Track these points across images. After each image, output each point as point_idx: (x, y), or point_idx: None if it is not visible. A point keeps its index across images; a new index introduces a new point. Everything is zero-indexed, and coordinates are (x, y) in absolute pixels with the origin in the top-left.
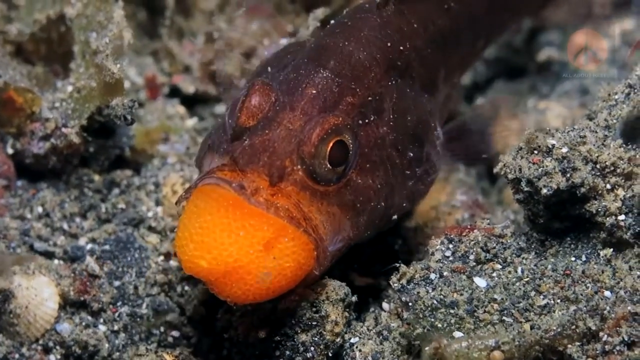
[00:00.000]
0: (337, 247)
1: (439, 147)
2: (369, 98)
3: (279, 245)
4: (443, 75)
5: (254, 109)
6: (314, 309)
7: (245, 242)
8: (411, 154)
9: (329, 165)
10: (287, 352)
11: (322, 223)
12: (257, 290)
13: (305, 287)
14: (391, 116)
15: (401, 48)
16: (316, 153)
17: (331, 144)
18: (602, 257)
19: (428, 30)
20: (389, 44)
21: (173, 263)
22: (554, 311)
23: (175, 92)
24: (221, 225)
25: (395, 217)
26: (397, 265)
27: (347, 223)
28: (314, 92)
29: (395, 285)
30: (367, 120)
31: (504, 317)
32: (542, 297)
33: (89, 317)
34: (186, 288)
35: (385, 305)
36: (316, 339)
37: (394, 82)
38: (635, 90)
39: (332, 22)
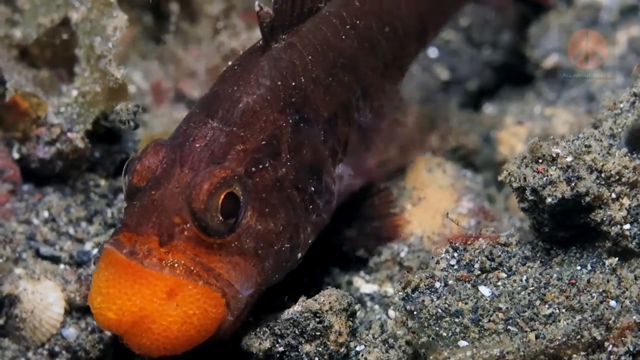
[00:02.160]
0: (249, 293)
1: (342, 172)
2: (263, 142)
3: (182, 294)
4: (360, 94)
5: (144, 171)
6: (318, 319)
7: (147, 292)
8: (312, 188)
9: (221, 218)
10: None
11: (227, 271)
12: (165, 339)
13: (223, 336)
14: (288, 155)
15: (294, 84)
16: (206, 207)
17: (221, 197)
18: (608, 266)
19: (327, 58)
20: (279, 83)
21: None
22: (559, 320)
23: (180, 97)
24: (123, 282)
25: (301, 254)
26: (402, 273)
27: (253, 270)
28: (202, 144)
29: (400, 293)
30: (261, 166)
31: (509, 327)
32: (547, 306)
33: (95, 322)
34: None
35: (391, 312)
36: (320, 349)
37: (290, 120)
38: None
39: (227, 66)
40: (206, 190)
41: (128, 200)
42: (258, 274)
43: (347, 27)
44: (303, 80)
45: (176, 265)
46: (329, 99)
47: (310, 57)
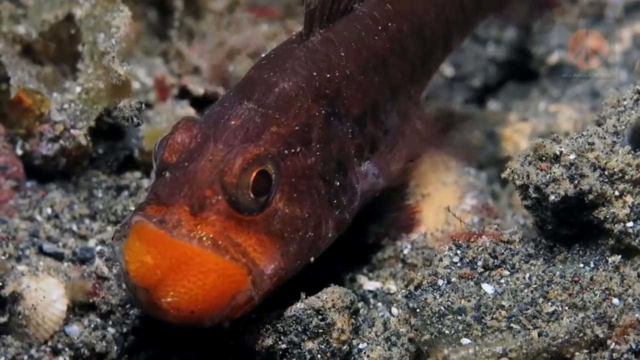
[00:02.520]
0: (272, 274)
1: (367, 171)
2: (296, 128)
3: (208, 266)
4: (388, 96)
5: (177, 145)
6: (320, 317)
7: (175, 261)
8: (337, 183)
9: (252, 195)
10: None
11: (253, 249)
12: (189, 304)
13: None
14: (318, 145)
15: (328, 76)
16: (238, 183)
17: (254, 174)
18: (611, 264)
19: (361, 56)
20: (314, 73)
21: None
22: (562, 318)
23: (184, 94)
24: (152, 249)
25: (323, 247)
26: (406, 270)
27: (278, 252)
28: (237, 123)
29: (403, 291)
30: (293, 150)
31: (511, 324)
32: (550, 303)
33: (98, 320)
34: None
35: (394, 310)
36: (323, 346)
37: (322, 111)
38: None
39: (262, 55)
40: (239, 166)
41: (158, 175)
42: (282, 257)
43: (380, 28)
44: (337, 74)
45: (204, 237)
46: (360, 96)
47: (344, 54)
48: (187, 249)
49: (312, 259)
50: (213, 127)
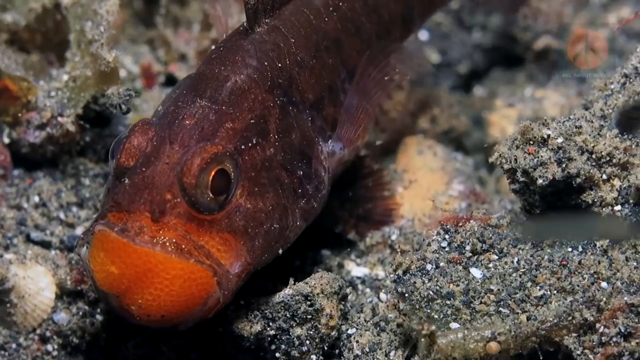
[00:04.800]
0: (238, 271)
1: (331, 150)
2: (252, 121)
3: (172, 271)
4: (345, 76)
5: (133, 149)
6: (309, 303)
7: (140, 269)
8: (300, 172)
9: (211, 195)
10: (283, 346)
11: (217, 249)
12: (156, 310)
13: (209, 315)
14: (276, 136)
15: (280, 65)
16: (197, 183)
17: (212, 173)
18: (599, 247)
19: (310, 40)
20: (265, 64)
21: None
22: (551, 302)
23: (171, 81)
24: (117, 258)
25: (291, 237)
26: (394, 255)
27: (243, 248)
28: (192, 122)
29: (392, 275)
30: (250, 144)
31: (500, 308)
32: (538, 287)
33: (86, 307)
34: None
35: (383, 295)
36: (311, 332)
37: (277, 101)
38: (631, 80)
39: (211, 49)
40: (197, 166)
41: (116, 181)
42: (247, 253)
43: (330, 9)
44: (288, 62)
45: (167, 243)
46: (314, 81)
47: (294, 40)
48: (151, 256)
49: (280, 251)
50: (168, 129)
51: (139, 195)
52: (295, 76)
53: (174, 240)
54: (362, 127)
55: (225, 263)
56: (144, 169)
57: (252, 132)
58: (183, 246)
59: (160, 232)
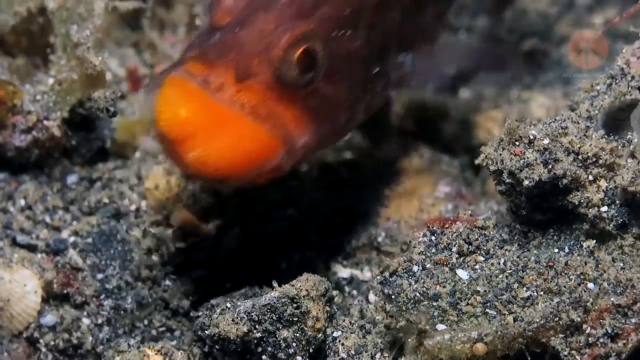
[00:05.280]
0: (303, 147)
1: (401, 62)
2: (347, 12)
3: (244, 132)
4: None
5: (228, 7)
6: (295, 305)
7: (212, 123)
8: (375, 70)
9: (296, 71)
10: (269, 349)
11: (290, 121)
12: (228, 155)
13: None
14: (364, 32)
15: None
16: (285, 58)
17: (300, 51)
18: (585, 248)
19: None
20: None
21: (155, 258)
22: (537, 303)
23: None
24: (189, 104)
25: (352, 128)
26: (380, 257)
27: (312, 127)
28: None
29: (378, 277)
30: (341, 33)
31: (487, 309)
32: (525, 289)
33: (73, 310)
34: (168, 283)
35: (371, 297)
36: (297, 334)
37: None
38: (617, 81)
39: None
40: (287, 41)
41: (206, 34)
42: (314, 133)
43: None
44: None
45: (245, 105)
46: None
47: None
48: (227, 113)
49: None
50: None
51: (227, 52)
52: None
53: (253, 104)
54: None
55: (294, 136)
56: (237, 30)
57: (346, 22)
58: (260, 111)
59: (241, 93)
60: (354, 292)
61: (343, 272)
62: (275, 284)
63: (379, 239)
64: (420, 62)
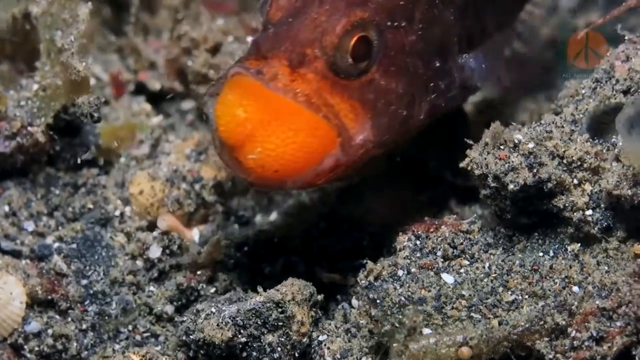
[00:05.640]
0: (359, 142)
1: (464, 64)
2: (401, 2)
3: (299, 121)
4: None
5: (283, 2)
6: (280, 310)
7: (267, 114)
8: (436, 67)
9: (350, 59)
10: (254, 353)
11: (345, 112)
12: (286, 150)
13: (335, 179)
14: (420, 25)
15: None
16: (339, 45)
17: (355, 38)
18: (570, 252)
19: None
20: None
21: (140, 264)
22: (522, 307)
23: (140, 89)
24: (246, 99)
25: (414, 127)
26: (365, 261)
27: (368, 122)
28: None
29: (363, 282)
30: (396, 24)
31: (472, 313)
32: (510, 292)
33: (57, 316)
34: (153, 288)
35: (354, 302)
36: (283, 339)
37: None
38: (601, 85)
39: None
40: (342, 27)
41: (262, 32)
42: (372, 128)
43: None
44: None
45: (299, 93)
46: None
47: None
48: (281, 103)
49: (399, 143)
50: None
51: (280, 43)
52: None
53: (307, 92)
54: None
55: (350, 128)
56: (290, 20)
57: (400, 14)
58: (314, 100)
59: (294, 82)
60: (338, 296)
61: (327, 277)
62: (260, 288)
63: (363, 243)
64: (484, 64)
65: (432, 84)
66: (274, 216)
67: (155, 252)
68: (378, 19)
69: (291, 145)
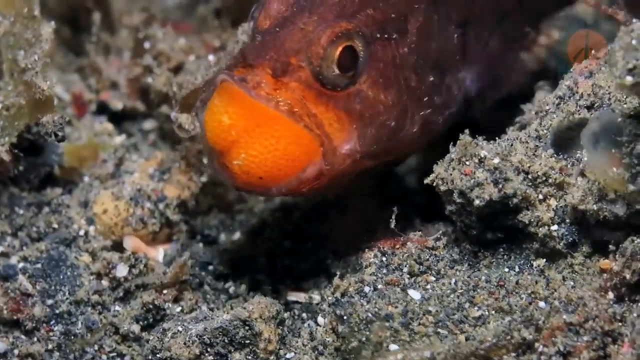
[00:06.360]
0: (344, 152)
1: (464, 79)
2: (392, 15)
3: (280, 130)
4: (496, 15)
5: (272, 11)
6: (247, 327)
7: (249, 122)
8: (432, 81)
9: (336, 70)
10: None
11: (330, 124)
12: (268, 156)
13: (317, 188)
14: (414, 38)
15: None
16: (324, 55)
17: (340, 48)
18: (536, 267)
19: None
20: None
21: (105, 283)
22: (489, 322)
23: (102, 109)
24: (230, 106)
25: (408, 143)
26: (333, 278)
27: (354, 132)
28: (335, 0)
29: (329, 298)
30: (386, 36)
31: (439, 329)
32: (476, 308)
33: (23, 336)
34: (118, 308)
35: (320, 319)
36: (250, 357)
37: (423, 5)
38: (565, 101)
39: None
40: (327, 37)
41: (250, 40)
42: (358, 138)
43: None
44: None
45: (281, 102)
46: (461, 2)
47: None
48: (263, 111)
49: (390, 156)
50: (311, 0)
51: (265, 51)
52: None
53: (289, 101)
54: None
55: (334, 138)
56: (277, 29)
57: (391, 26)
58: (296, 109)
59: (278, 91)
60: (304, 315)
61: (292, 295)
62: (228, 306)
63: (328, 262)
64: (486, 82)
65: (426, 99)
66: (237, 235)
67: (122, 271)
68: (365, 30)
69: (273, 152)
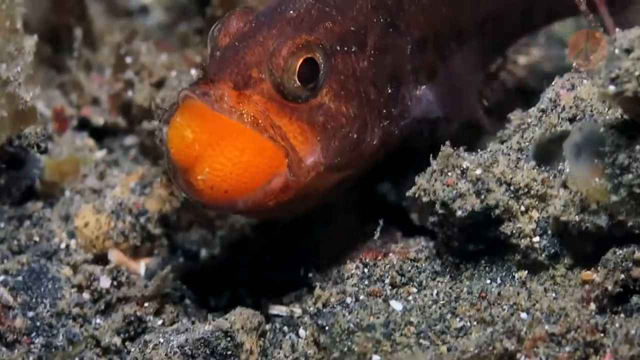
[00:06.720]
0: (309, 164)
1: (422, 95)
2: (352, 28)
3: (245, 143)
4: (454, 33)
5: (231, 28)
6: (229, 338)
7: (213, 135)
8: (388, 94)
9: (297, 81)
10: None
11: (294, 136)
12: (233, 169)
13: (281, 200)
14: (372, 51)
15: None
16: (285, 67)
17: (301, 60)
18: (517, 279)
19: None
20: None
21: (86, 296)
22: (471, 333)
23: (84, 125)
24: (193, 121)
25: (368, 154)
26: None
27: (318, 144)
28: (294, 14)
29: (311, 308)
30: (346, 49)
31: (420, 340)
32: (458, 319)
33: (4, 348)
34: (99, 321)
35: (301, 332)
36: None
37: (381, 20)
38: (547, 113)
39: None
40: (288, 49)
41: (210, 58)
42: (322, 150)
43: None
44: None
45: (245, 114)
46: (422, 20)
47: None
48: (226, 124)
49: (351, 171)
50: (270, 15)
51: (226, 65)
52: (405, 6)
53: (252, 114)
54: (461, 101)
55: (299, 151)
56: (237, 44)
57: (350, 40)
58: (260, 121)
59: (240, 104)
60: (285, 328)
61: (273, 308)
62: (210, 317)
63: (309, 275)
64: (448, 102)
65: (384, 110)
66: (218, 250)
67: (104, 282)
68: (326, 42)
69: (238, 164)
